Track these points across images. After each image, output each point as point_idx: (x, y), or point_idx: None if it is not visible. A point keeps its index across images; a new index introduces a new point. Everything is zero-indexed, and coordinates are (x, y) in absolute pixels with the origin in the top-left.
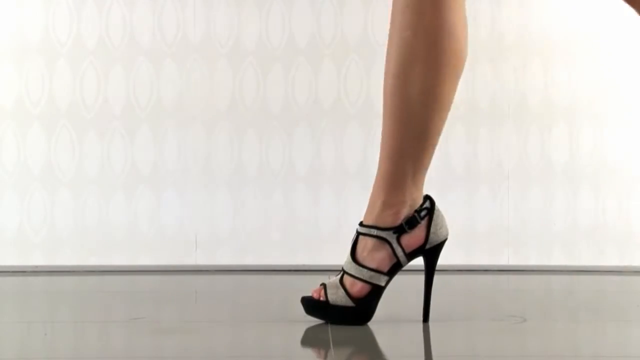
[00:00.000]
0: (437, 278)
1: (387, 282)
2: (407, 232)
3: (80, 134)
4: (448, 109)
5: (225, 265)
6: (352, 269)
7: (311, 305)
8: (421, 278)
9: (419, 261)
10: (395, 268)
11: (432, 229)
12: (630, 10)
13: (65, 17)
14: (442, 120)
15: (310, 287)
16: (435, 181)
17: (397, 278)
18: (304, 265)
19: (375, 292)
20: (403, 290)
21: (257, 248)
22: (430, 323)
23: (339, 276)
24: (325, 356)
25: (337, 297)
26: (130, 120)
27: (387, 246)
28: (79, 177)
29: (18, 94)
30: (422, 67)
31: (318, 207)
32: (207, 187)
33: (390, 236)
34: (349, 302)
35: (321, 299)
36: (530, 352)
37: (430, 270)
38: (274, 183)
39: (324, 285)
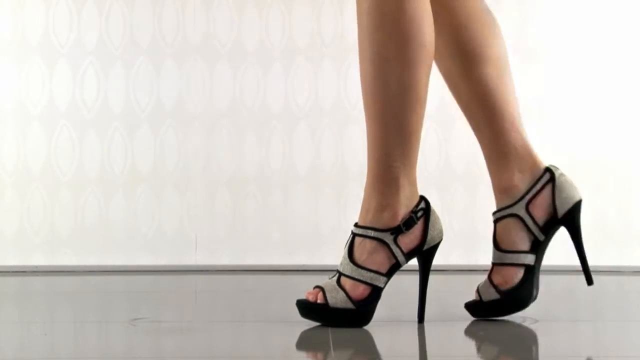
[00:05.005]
0: (437, 278)
1: (386, 283)
2: (404, 232)
3: (80, 134)
4: (425, 103)
5: (225, 265)
6: (352, 271)
7: (308, 308)
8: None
9: (416, 261)
10: (394, 269)
11: (429, 230)
12: (627, 11)
13: (65, 17)
14: (423, 116)
15: (310, 287)
16: (435, 181)
17: (395, 278)
18: (303, 266)
19: (376, 293)
20: (402, 291)
21: (257, 248)
22: (430, 323)
23: (335, 278)
24: (325, 357)
25: (337, 299)
26: (130, 120)
27: (386, 247)
28: (79, 177)
29: (18, 94)
30: (397, 66)
31: (318, 207)
32: (207, 187)
33: (388, 237)
34: (349, 305)
35: (319, 301)
36: (529, 352)
37: (425, 270)
38: (274, 183)
39: (320, 288)
